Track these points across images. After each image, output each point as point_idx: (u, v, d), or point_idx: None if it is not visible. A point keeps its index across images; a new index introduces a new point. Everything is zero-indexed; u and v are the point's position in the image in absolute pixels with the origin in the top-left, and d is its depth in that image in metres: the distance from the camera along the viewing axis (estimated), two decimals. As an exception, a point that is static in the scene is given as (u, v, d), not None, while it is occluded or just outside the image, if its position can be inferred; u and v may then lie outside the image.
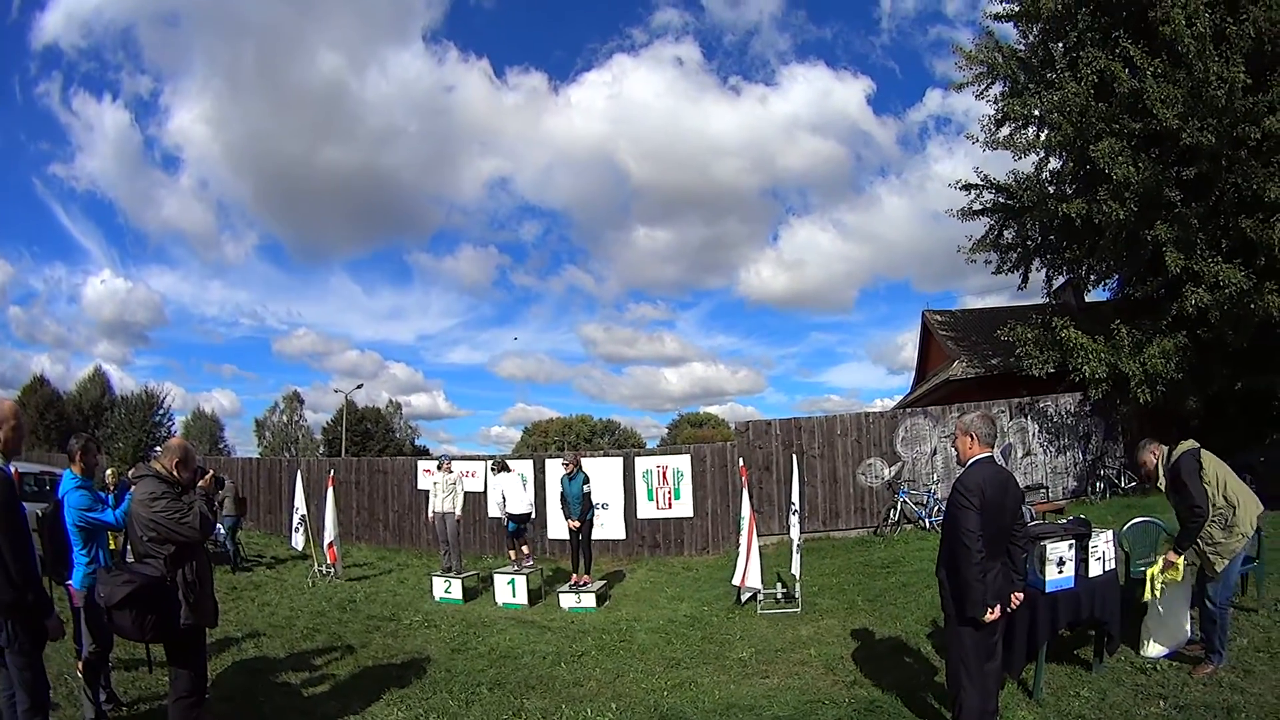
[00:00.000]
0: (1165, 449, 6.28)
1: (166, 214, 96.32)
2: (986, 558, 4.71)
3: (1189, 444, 6.14)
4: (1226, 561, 5.79)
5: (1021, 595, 5.05)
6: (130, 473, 5.36)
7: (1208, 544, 5.83)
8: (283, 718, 6.32)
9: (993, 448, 5.02)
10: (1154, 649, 6.26)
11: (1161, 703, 5.36)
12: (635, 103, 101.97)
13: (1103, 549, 6.04)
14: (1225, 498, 5.88)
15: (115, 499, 6.93)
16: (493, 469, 13.59)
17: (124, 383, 72.95)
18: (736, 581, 10.46)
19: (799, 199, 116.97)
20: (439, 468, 13.46)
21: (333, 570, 13.65)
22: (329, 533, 13.86)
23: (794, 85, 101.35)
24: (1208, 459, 6.07)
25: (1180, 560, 5.93)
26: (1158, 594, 6.06)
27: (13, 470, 4.91)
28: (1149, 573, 6.06)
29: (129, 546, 5.18)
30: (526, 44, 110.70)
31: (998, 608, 4.71)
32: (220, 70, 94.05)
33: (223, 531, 14.16)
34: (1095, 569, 5.97)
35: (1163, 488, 6.23)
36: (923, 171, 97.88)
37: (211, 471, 5.39)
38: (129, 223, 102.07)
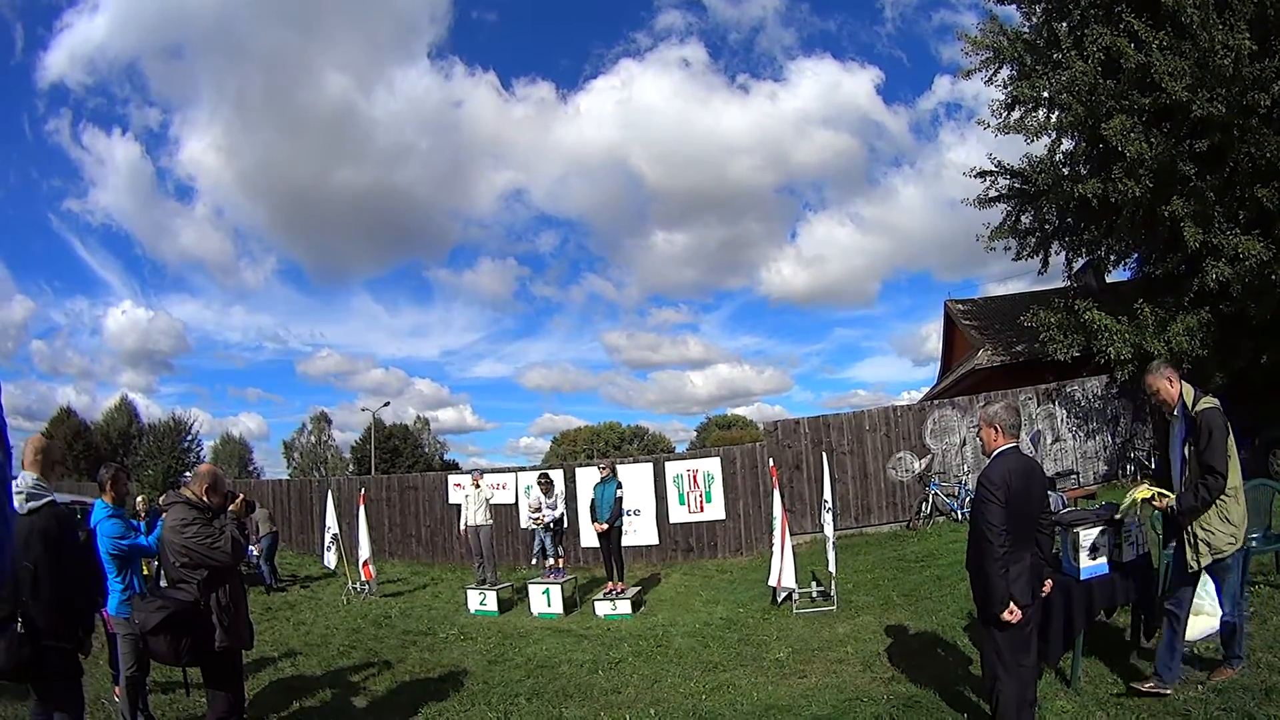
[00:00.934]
0: (1190, 388, 5.47)
1: (184, 243, 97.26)
2: (1015, 550, 4.74)
3: (1213, 400, 5.37)
4: (1208, 560, 5.24)
5: (1050, 583, 5.05)
6: (161, 499, 5.46)
7: (1203, 529, 5.23)
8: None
9: (1018, 437, 5.04)
10: (1190, 632, 6.22)
11: (1199, 686, 5.33)
12: (645, 107, 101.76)
13: (1135, 533, 6.01)
14: (1235, 484, 5.23)
15: (147, 526, 7.06)
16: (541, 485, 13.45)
17: (150, 410, 73.62)
18: (773, 582, 10.47)
19: (815, 194, 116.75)
20: (472, 482, 13.52)
21: (368, 587, 13.78)
22: (364, 550, 13.98)
23: (802, 80, 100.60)
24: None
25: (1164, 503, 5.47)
26: (1136, 512, 5.88)
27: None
28: (1136, 495, 5.67)
29: (162, 572, 5.27)
30: (532, 54, 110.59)
31: (1016, 608, 4.70)
32: (228, 98, 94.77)
33: (255, 553, 14.29)
34: (1129, 553, 5.94)
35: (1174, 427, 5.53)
36: (937, 159, 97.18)
37: (242, 495, 5.48)
38: (146, 254, 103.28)
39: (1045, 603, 5.10)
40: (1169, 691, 5.18)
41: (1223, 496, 5.14)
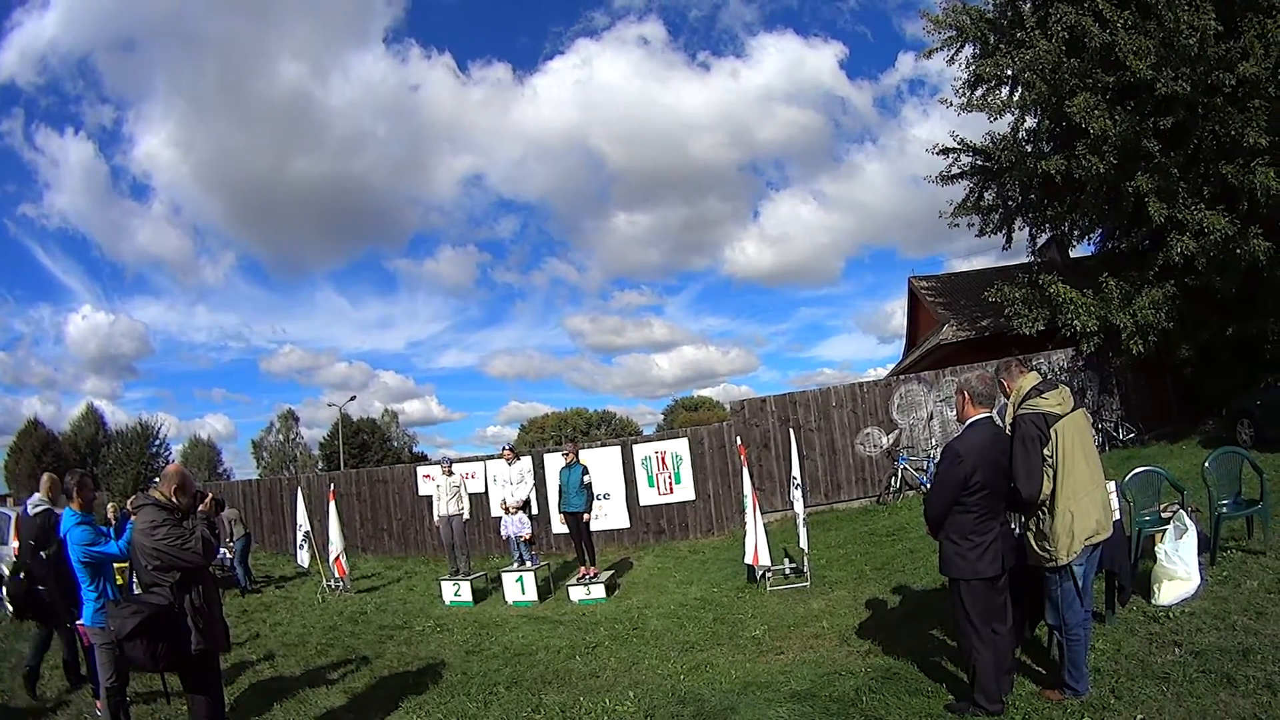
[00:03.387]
0: (1030, 384, 5.11)
1: (142, 243, 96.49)
2: (983, 520, 4.82)
3: (1038, 404, 4.98)
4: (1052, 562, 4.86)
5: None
6: (130, 502, 5.35)
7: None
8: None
9: (990, 408, 5.03)
10: (1166, 597, 6.28)
11: (1176, 650, 5.37)
12: (604, 87, 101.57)
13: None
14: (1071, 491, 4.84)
15: (116, 532, 6.93)
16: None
17: (116, 416, 73.18)
18: (749, 560, 10.43)
19: (777, 172, 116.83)
20: (443, 471, 13.39)
21: (342, 584, 13.62)
22: (335, 546, 13.80)
23: (764, 55, 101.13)
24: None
25: None
26: None
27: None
28: None
29: (135, 578, 5.18)
30: (487, 35, 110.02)
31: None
32: (181, 90, 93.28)
33: (227, 555, 14.08)
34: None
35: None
36: (900, 136, 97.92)
37: (211, 495, 5.37)
38: (104, 256, 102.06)
39: (1020, 571, 5.10)
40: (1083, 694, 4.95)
41: (1042, 510, 4.87)
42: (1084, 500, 4.77)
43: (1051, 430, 4.82)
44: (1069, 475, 4.78)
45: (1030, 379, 5.14)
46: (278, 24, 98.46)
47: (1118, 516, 6.08)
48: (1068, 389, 5.11)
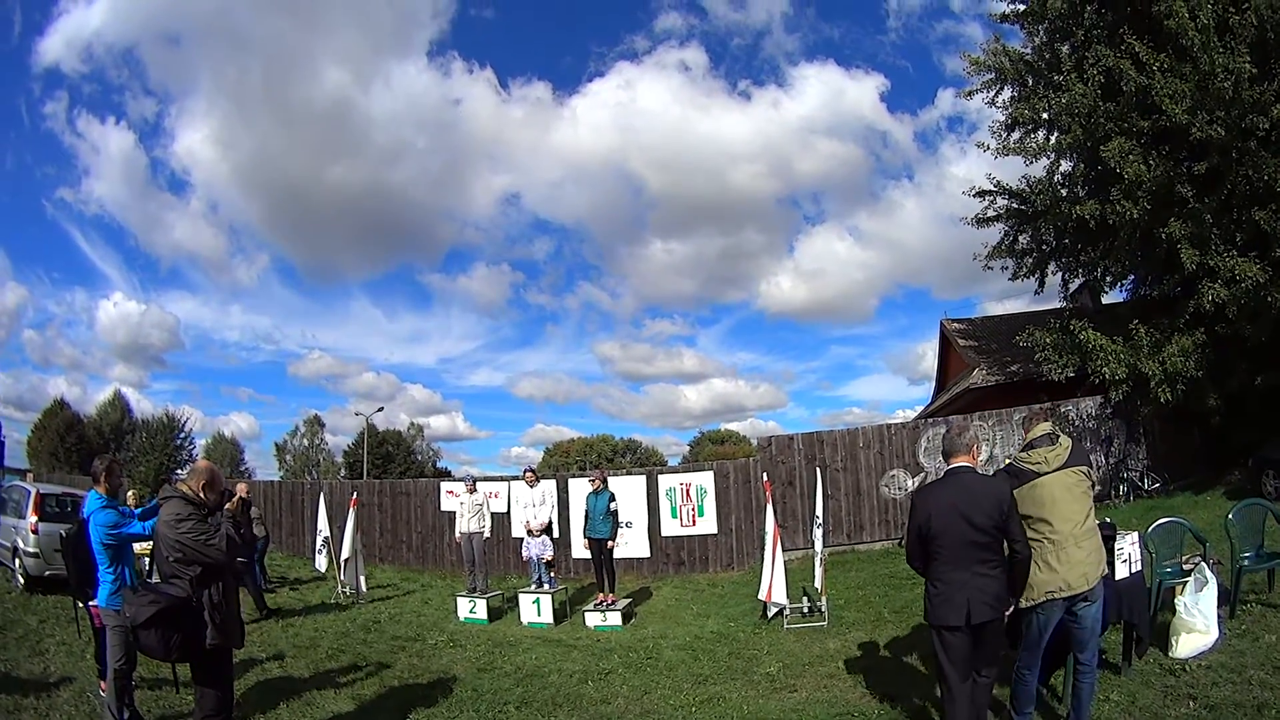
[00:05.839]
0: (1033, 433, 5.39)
1: (178, 237, 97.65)
2: (946, 567, 4.86)
3: (1017, 458, 5.31)
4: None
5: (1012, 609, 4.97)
6: (160, 494, 5.45)
7: None
8: (310, 738, 6.31)
9: (970, 457, 5.04)
10: (1184, 650, 6.23)
11: (1191, 703, 5.35)
12: (644, 111, 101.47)
13: (1129, 551, 6.00)
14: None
15: (142, 515, 7.06)
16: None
17: (141, 405, 73.63)
18: (762, 596, 10.43)
19: (814, 206, 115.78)
20: (466, 489, 13.47)
21: (354, 591, 13.73)
22: (345, 551, 13.94)
23: (806, 86, 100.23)
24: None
25: None
26: None
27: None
28: None
29: (154, 567, 5.25)
30: (529, 53, 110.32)
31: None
32: (225, 89, 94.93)
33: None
34: (1121, 571, 5.93)
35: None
36: (938, 173, 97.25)
37: (239, 495, 5.45)
38: (140, 246, 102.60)
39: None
40: None
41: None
42: (1050, 555, 4.91)
43: (1028, 485, 5.01)
44: (1036, 530, 4.95)
45: (1035, 432, 5.29)
46: (323, 29, 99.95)
47: (1139, 568, 6.08)
48: (1067, 448, 5.14)
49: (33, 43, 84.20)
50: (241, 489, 13.59)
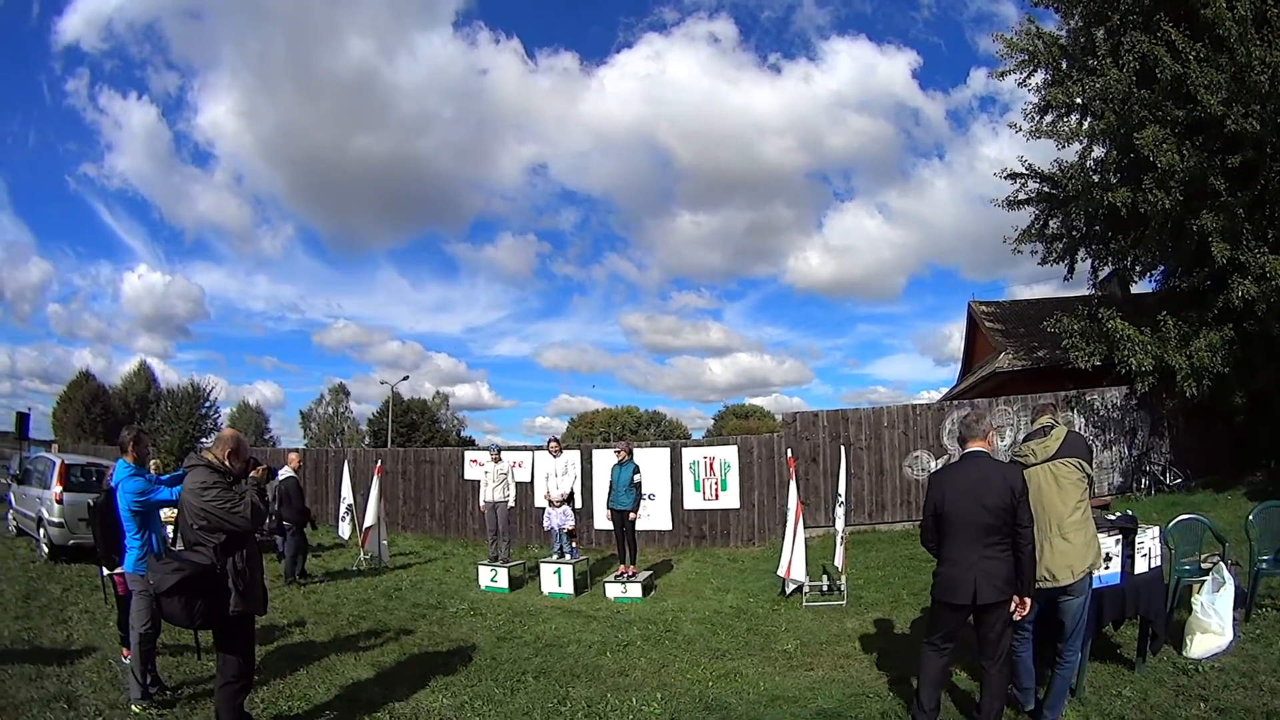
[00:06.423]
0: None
1: (202, 209, 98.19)
2: (954, 545, 5.04)
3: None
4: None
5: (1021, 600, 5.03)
6: (185, 462, 5.56)
7: None
8: (329, 703, 6.47)
9: (974, 443, 5.19)
10: (1197, 650, 6.28)
11: (1202, 704, 5.41)
12: (673, 83, 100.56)
13: (1149, 546, 6.06)
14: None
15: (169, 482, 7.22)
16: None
17: (166, 376, 74.49)
18: (781, 572, 10.56)
19: (844, 182, 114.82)
20: (491, 458, 13.61)
21: (376, 557, 13.98)
22: (369, 519, 14.19)
23: (837, 60, 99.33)
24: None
25: None
26: None
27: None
28: None
29: (179, 535, 5.37)
30: (556, 23, 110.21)
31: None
32: (248, 61, 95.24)
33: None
34: (1141, 565, 6.00)
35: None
36: (969, 153, 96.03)
37: (265, 464, 5.56)
38: (164, 219, 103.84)
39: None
40: None
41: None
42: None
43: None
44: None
45: (1038, 424, 5.66)
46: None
47: (1158, 563, 6.13)
48: (1059, 440, 5.36)
49: (51, 22, 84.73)
50: (293, 459, 13.93)
